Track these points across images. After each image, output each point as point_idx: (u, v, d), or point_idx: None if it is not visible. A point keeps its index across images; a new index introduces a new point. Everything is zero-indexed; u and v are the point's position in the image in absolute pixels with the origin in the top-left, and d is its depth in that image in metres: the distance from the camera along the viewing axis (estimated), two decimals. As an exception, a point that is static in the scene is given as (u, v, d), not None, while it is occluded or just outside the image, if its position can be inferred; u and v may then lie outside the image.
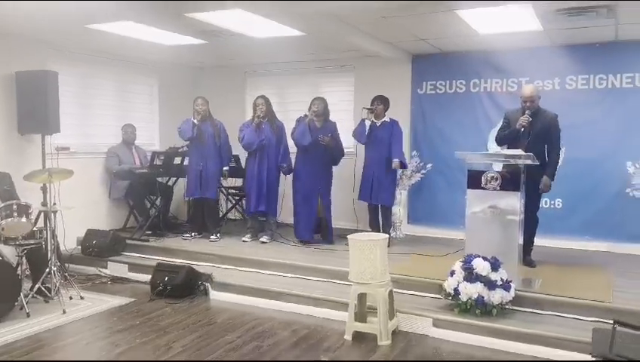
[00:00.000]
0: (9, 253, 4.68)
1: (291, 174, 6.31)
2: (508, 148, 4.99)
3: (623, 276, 4.85)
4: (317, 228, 6.25)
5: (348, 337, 4.08)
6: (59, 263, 5.04)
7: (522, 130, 4.85)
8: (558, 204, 6.10)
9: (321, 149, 6.01)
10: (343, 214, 6.59)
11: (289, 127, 6.34)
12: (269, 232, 6.33)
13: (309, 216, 6.14)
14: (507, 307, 4.16)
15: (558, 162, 5.07)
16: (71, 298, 4.88)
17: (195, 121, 6.22)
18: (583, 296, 4.20)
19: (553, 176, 5.00)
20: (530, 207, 4.83)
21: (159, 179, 6.74)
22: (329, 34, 5.35)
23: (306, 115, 6.03)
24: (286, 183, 6.46)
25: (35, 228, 4.72)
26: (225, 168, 6.44)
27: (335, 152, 6.14)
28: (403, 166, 6.05)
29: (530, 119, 4.83)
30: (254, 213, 6.31)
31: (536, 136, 4.88)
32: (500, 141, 5.18)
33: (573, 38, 5.67)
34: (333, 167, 6.25)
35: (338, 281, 4.88)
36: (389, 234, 5.95)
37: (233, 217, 7.54)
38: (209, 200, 6.46)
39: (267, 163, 6.17)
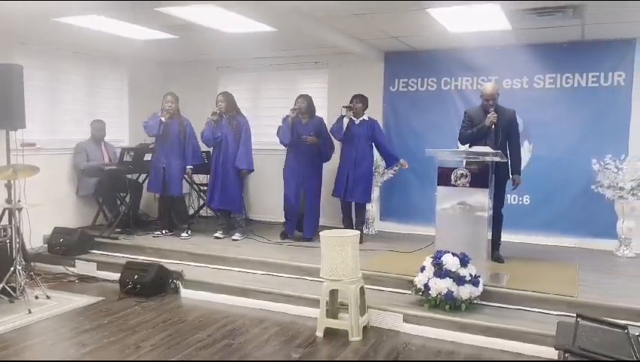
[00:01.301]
0: (-29, 251, 4.55)
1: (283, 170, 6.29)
2: (470, 146, 5.06)
3: (588, 271, 4.98)
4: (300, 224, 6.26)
5: (319, 334, 4.09)
6: (24, 262, 4.91)
7: (490, 129, 4.93)
8: (526, 201, 6.22)
9: (307, 146, 6.03)
10: (324, 211, 6.56)
11: (261, 123, 6.32)
12: (241, 229, 6.30)
13: (296, 212, 6.16)
14: (476, 302, 4.23)
15: (521, 156, 5.17)
16: (37, 297, 4.77)
17: (163, 118, 6.15)
18: (549, 290, 4.30)
19: (520, 171, 5.12)
20: (495, 204, 4.91)
21: (129, 176, 6.63)
22: (301, 30, 5.33)
23: (288, 116, 6.03)
24: (256, 180, 6.42)
25: (-2, 226, 4.60)
26: (189, 166, 6.32)
27: (323, 148, 6.14)
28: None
29: (497, 116, 4.92)
30: (215, 209, 6.31)
31: (502, 132, 4.98)
32: (465, 140, 5.23)
33: (541, 38, 5.78)
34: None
35: (310, 278, 4.88)
36: (362, 230, 5.98)
37: (205, 214, 7.47)
38: (176, 198, 6.39)
39: (224, 160, 6.13)
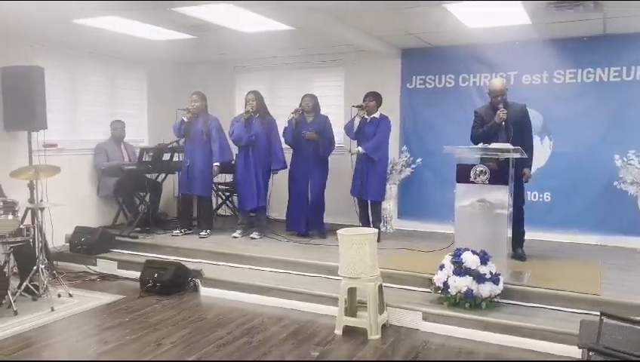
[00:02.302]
0: (-4, 250, 4.64)
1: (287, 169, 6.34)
2: (484, 144, 5.00)
3: (611, 268, 4.89)
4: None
5: (338, 332, 4.09)
6: (47, 261, 5.01)
7: (500, 125, 4.87)
8: (547, 198, 6.13)
9: (307, 144, 6.08)
10: (340, 210, 6.56)
11: (280, 122, 6.34)
12: (260, 228, 6.32)
13: (300, 208, 6.19)
14: (496, 300, 4.18)
15: (533, 150, 5.10)
16: (59, 295, 4.84)
17: (185, 118, 6.19)
18: (571, 288, 4.23)
19: (531, 165, 5.07)
20: (516, 200, 4.85)
21: (148, 176, 6.70)
22: (318, 29, 5.33)
23: (292, 117, 6.11)
24: (275, 178, 6.44)
25: (22, 226, 4.68)
26: (216, 164, 6.31)
27: (321, 146, 6.15)
28: (369, 156, 5.93)
29: (507, 112, 4.87)
30: (249, 210, 6.30)
31: (513, 128, 4.91)
32: (477, 139, 5.14)
33: (562, 32, 5.69)
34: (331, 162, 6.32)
35: (328, 276, 4.87)
36: (379, 228, 5.96)
37: (223, 213, 7.51)
38: (202, 198, 6.43)
39: (257, 159, 6.15)
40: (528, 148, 5.01)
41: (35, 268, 4.71)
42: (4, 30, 5.56)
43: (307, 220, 6.25)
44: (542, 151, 6.02)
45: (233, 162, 6.49)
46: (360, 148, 5.94)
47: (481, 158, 4.62)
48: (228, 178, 7.19)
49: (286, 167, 6.34)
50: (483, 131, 5.05)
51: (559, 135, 5.98)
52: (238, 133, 6.11)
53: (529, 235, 5.33)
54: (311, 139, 6.08)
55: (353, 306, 4.23)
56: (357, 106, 5.95)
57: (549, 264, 5.03)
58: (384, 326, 4.15)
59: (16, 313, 4.36)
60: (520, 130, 4.95)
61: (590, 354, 2.72)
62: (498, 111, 4.89)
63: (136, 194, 6.74)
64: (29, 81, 5.42)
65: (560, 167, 5.95)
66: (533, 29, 5.48)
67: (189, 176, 6.29)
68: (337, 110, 6.91)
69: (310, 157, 6.16)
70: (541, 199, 6.14)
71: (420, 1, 4.50)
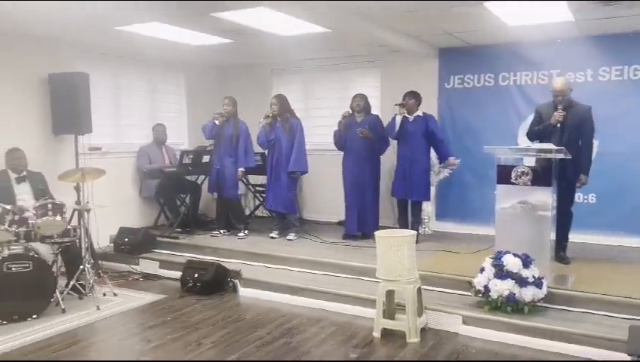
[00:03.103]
0: (45, 250, 4.80)
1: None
2: (540, 143, 4.88)
3: (660, 272, 4.71)
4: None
5: (376, 334, 4.07)
6: (92, 260, 5.16)
7: (555, 126, 4.74)
8: (592, 199, 5.95)
9: (361, 143, 6.08)
10: (380, 211, 6.52)
11: (314, 125, 6.38)
12: (295, 229, 6.36)
13: (356, 209, 6.18)
14: (539, 304, 4.08)
15: (591, 155, 4.95)
16: (104, 294, 4.99)
17: (217, 121, 6.29)
18: (617, 292, 4.10)
19: (588, 171, 4.90)
20: (564, 202, 4.73)
21: (188, 178, 6.84)
22: (354, 30, 5.33)
23: (340, 122, 6.15)
24: (308, 181, 6.47)
25: (69, 227, 4.84)
26: (240, 169, 6.37)
27: (376, 143, 6.15)
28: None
29: (564, 113, 4.72)
30: (268, 210, 6.39)
31: (570, 130, 4.76)
32: (532, 137, 5.04)
33: (606, 28, 5.51)
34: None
35: (366, 278, 4.86)
36: (418, 230, 5.90)
37: (261, 214, 7.59)
38: (231, 201, 6.53)
39: (277, 162, 6.23)
40: (587, 153, 4.87)
41: (81, 267, 4.87)
42: (52, 38, 5.77)
43: (363, 220, 6.18)
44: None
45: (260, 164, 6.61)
46: (452, 159, 6.05)
47: (524, 159, 4.52)
48: (263, 179, 7.26)
49: (306, 172, 6.35)
50: (538, 130, 4.94)
51: (605, 135, 5.78)
52: (260, 138, 6.29)
53: (573, 237, 5.17)
54: (366, 137, 6.06)
55: (391, 309, 4.21)
56: (399, 104, 5.93)
57: (594, 267, 4.88)
58: (423, 330, 4.11)
59: (64, 311, 4.52)
60: (578, 133, 4.79)
61: (640, 361, 2.63)
62: (555, 112, 4.76)
63: (177, 196, 6.90)
64: (75, 86, 5.61)
65: (606, 167, 5.74)
66: (576, 25, 5.33)
67: (218, 178, 6.40)
68: (374, 110, 6.87)
69: (362, 157, 6.12)
70: (586, 200, 5.95)
71: (459, 1, 4.43)
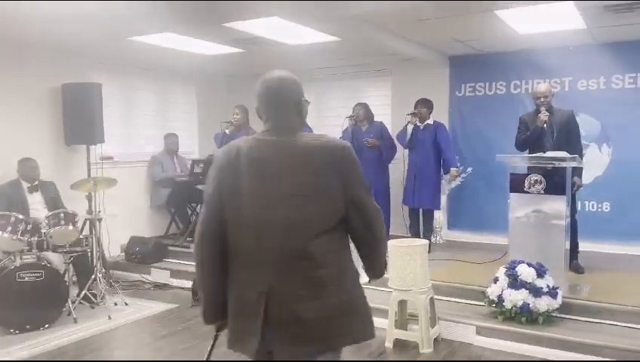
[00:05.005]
0: (56, 260, 4.83)
1: None
2: (530, 152, 4.85)
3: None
4: None
5: (389, 344, 4.03)
6: (104, 270, 5.17)
7: (543, 128, 4.72)
8: (606, 208, 5.86)
9: (369, 152, 6.05)
10: (390, 220, 6.49)
11: (330, 131, 6.33)
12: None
13: None
14: (554, 314, 4.02)
15: (582, 157, 4.91)
16: (116, 304, 4.99)
17: (227, 131, 6.29)
18: (634, 302, 4.03)
19: (581, 173, 4.87)
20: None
21: (199, 187, 6.84)
22: (365, 38, 5.33)
23: (347, 128, 6.13)
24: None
25: (81, 236, 4.86)
26: None
27: (384, 151, 6.15)
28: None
29: (548, 114, 4.71)
30: None
31: (559, 131, 4.75)
32: (521, 146, 4.99)
33: (619, 35, 5.46)
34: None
35: (378, 288, 4.81)
36: (430, 239, 5.86)
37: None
38: None
39: None
40: (577, 155, 4.83)
41: (93, 277, 4.89)
42: (64, 48, 5.82)
43: None
44: (600, 159, 5.79)
45: None
46: (453, 170, 5.97)
47: (534, 167, 4.47)
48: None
49: None
50: (527, 136, 4.91)
51: (618, 142, 5.72)
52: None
53: (586, 246, 5.11)
54: (373, 147, 6.06)
55: (404, 319, 4.17)
56: (411, 114, 5.93)
57: (610, 277, 4.81)
58: (436, 340, 4.06)
59: (75, 321, 4.52)
60: (566, 136, 4.78)
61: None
62: (539, 114, 4.75)
63: (188, 205, 6.90)
64: (87, 96, 5.65)
65: (619, 175, 5.67)
66: (588, 33, 5.29)
67: None
68: (385, 119, 6.85)
69: (370, 166, 6.07)
70: (599, 209, 5.87)
71: (468, 3, 4.40)
